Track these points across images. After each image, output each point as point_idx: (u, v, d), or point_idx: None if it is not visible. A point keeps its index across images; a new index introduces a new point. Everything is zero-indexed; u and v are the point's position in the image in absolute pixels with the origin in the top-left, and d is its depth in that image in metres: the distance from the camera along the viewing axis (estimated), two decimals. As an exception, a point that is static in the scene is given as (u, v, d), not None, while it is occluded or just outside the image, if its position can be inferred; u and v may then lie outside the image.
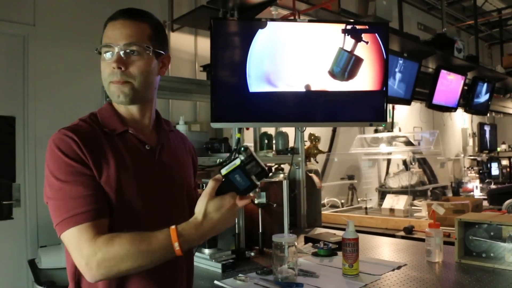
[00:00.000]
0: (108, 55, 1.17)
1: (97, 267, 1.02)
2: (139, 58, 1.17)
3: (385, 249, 2.34)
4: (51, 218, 1.09)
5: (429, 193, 4.33)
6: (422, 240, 2.09)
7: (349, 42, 2.37)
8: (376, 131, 4.78)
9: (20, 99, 2.73)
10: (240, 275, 1.78)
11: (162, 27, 1.28)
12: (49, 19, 2.81)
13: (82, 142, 1.10)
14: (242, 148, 1.13)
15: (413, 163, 4.58)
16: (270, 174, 2.75)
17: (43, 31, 2.78)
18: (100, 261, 1.02)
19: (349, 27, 2.37)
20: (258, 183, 1.12)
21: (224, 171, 1.11)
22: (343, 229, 1.81)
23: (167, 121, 1.37)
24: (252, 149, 1.13)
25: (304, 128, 2.92)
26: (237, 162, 1.10)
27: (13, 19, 2.68)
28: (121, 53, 1.15)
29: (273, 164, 2.91)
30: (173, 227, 1.05)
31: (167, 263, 1.09)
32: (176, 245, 1.03)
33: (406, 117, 5.63)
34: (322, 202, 3.68)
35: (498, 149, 7.66)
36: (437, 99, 4.40)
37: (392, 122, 5.02)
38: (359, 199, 4.20)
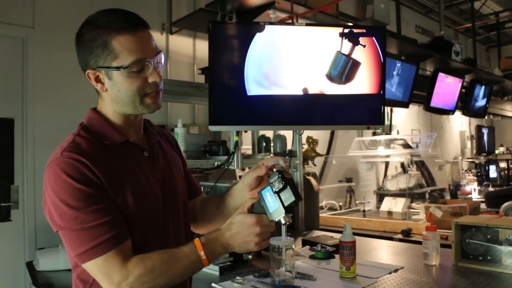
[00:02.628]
0: (137, 70, 1.11)
1: None
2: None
3: (382, 252, 2.34)
4: (68, 247, 1.07)
5: (427, 195, 4.33)
6: (420, 243, 2.09)
7: (346, 45, 2.38)
8: (374, 133, 4.79)
9: (19, 101, 2.73)
10: (237, 278, 1.78)
11: None
12: (48, 21, 2.82)
13: (91, 163, 1.06)
14: (278, 176, 1.15)
15: (411, 166, 4.59)
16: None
17: (42, 33, 2.79)
18: (133, 285, 1.03)
19: (346, 30, 2.38)
20: (284, 208, 1.14)
21: (258, 189, 1.17)
22: (341, 232, 1.81)
23: (149, 121, 1.33)
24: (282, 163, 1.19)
25: (302, 131, 2.93)
26: (276, 184, 1.14)
27: (12, 21, 2.69)
28: (156, 65, 1.14)
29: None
30: (197, 239, 1.09)
31: None
32: (202, 253, 1.07)
33: (404, 119, 5.64)
34: (320, 204, 3.69)
35: (496, 151, 7.68)
36: (435, 102, 4.41)
37: (390, 125, 5.04)
38: (357, 202, 4.21)
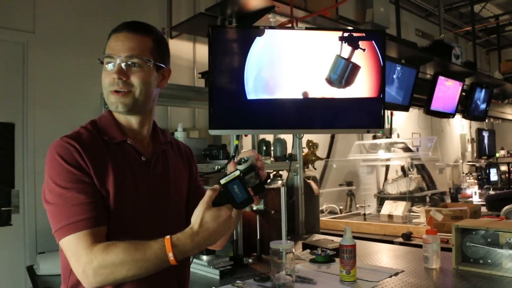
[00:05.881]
0: (109, 66, 1.20)
1: (93, 275, 1.04)
2: (140, 70, 1.20)
3: (383, 255, 2.34)
4: (50, 222, 1.11)
5: (427, 199, 4.33)
6: (420, 246, 2.10)
7: (346, 49, 2.38)
8: (374, 137, 4.79)
9: (20, 105, 2.74)
10: (238, 281, 1.79)
11: (165, 41, 1.30)
12: (49, 26, 2.83)
13: (84, 150, 1.13)
14: (243, 159, 1.13)
15: (411, 169, 4.59)
16: (269, 180, 2.76)
17: (42, 38, 2.80)
18: (96, 269, 1.04)
19: (346, 34, 2.38)
20: (253, 197, 1.12)
21: (223, 181, 1.11)
22: (342, 236, 1.82)
23: (163, 131, 1.39)
24: (254, 159, 1.15)
25: (302, 135, 2.93)
26: (237, 173, 1.11)
27: (12, 27, 2.70)
28: (123, 64, 1.18)
29: (271, 171, 2.91)
30: (167, 237, 1.06)
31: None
32: (171, 255, 1.04)
33: (404, 123, 5.64)
34: (321, 208, 3.69)
35: (497, 154, 7.67)
36: (435, 105, 4.41)
37: (391, 128, 5.04)
38: (357, 206, 4.20)
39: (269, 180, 2.79)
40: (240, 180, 1.10)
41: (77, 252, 1.06)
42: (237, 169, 1.12)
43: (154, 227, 1.21)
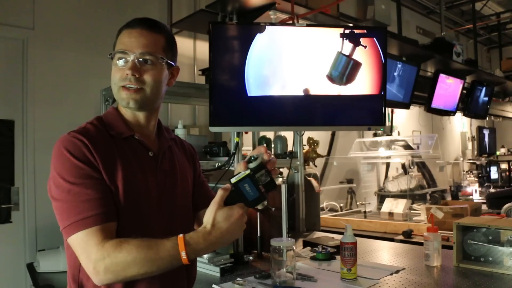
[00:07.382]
0: (121, 62, 1.19)
1: (104, 272, 1.03)
2: (153, 68, 1.20)
3: (383, 253, 2.34)
4: (57, 219, 1.10)
5: (428, 197, 4.33)
6: (421, 244, 2.09)
7: (347, 46, 2.37)
8: (375, 135, 4.78)
9: (19, 103, 2.73)
10: (238, 279, 1.78)
11: (174, 40, 1.30)
12: (48, 23, 2.82)
13: (92, 145, 1.12)
14: (253, 157, 1.13)
15: (412, 167, 4.58)
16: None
17: (42, 35, 2.79)
18: (107, 266, 1.03)
19: (347, 31, 2.37)
20: (266, 195, 1.12)
21: (233, 180, 1.11)
22: (342, 233, 1.81)
23: (167, 128, 1.40)
24: (263, 156, 1.14)
25: (303, 132, 2.93)
26: (247, 171, 1.11)
27: (12, 23, 2.69)
28: (136, 60, 1.18)
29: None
30: (180, 235, 1.06)
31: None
32: (183, 253, 1.04)
33: (405, 120, 5.64)
34: (321, 206, 3.69)
35: (497, 152, 7.66)
36: (436, 103, 4.40)
37: (391, 126, 5.03)
38: (358, 203, 4.20)
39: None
40: (250, 179, 1.10)
41: (88, 249, 1.04)
42: (247, 168, 1.12)
43: (163, 223, 1.21)
